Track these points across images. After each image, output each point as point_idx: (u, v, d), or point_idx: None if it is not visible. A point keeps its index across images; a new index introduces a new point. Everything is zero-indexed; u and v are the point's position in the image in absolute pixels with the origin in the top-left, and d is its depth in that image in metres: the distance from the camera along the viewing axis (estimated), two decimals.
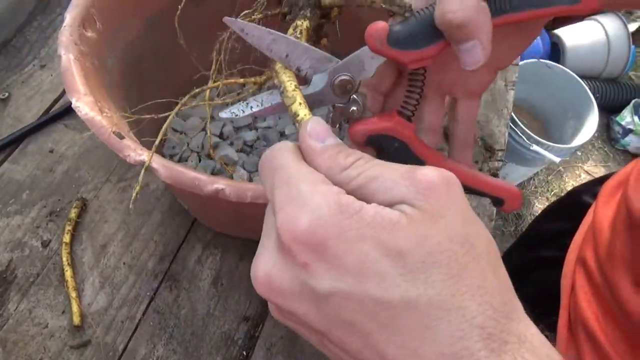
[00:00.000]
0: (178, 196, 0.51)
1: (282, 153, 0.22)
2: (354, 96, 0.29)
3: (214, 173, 0.55)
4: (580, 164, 1.86)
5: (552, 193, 1.78)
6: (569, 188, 1.80)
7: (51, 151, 0.57)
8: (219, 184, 0.34)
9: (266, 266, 0.20)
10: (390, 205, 0.19)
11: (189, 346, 0.47)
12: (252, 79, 0.34)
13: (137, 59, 0.49)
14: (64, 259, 0.49)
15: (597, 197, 0.54)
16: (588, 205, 0.57)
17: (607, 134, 1.88)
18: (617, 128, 1.81)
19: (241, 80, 0.36)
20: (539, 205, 1.76)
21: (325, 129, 0.22)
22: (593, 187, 0.62)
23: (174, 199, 0.55)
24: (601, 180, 0.60)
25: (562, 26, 1.82)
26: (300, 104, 0.27)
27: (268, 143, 0.57)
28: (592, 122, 1.45)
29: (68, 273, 0.48)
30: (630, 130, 1.76)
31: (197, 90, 0.37)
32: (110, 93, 0.43)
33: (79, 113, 0.36)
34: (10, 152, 0.57)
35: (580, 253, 0.51)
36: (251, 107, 0.31)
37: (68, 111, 0.59)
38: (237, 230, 0.52)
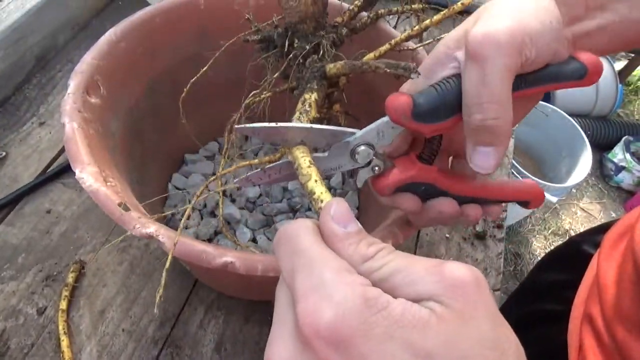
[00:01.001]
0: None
1: (302, 233, 0.21)
2: (374, 158, 0.30)
3: (216, 232, 0.53)
4: (575, 202, 1.87)
5: (550, 231, 1.78)
6: (566, 226, 1.80)
7: (48, 212, 0.56)
8: (228, 256, 0.33)
9: (281, 356, 0.19)
10: (416, 300, 0.18)
11: None
12: (267, 158, 0.34)
13: (139, 120, 0.49)
14: (60, 327, 0.47)
15: (598, 248, 0.53)
16: (588, 255, 0.56)
17: (601, 170, 1.90)
18: (609, 165, 1.83)
19: (255, 161, 0.35)
20: (537, 244, 1.75)
21: (348, 213, 0.22)
22: (592, 236, 0.61)
23: (175, 259, 0.54)
24: (601, 229, 0.59)
25: None
26: (316, 181, 0.26)
27: (272, 199, 0.56)
28: (586, 161, 1.47)
29: (64, 343, 0.46)
30: (623, 167, 1.78)
31: (212, 178, 0.37)
32: (114, 156, 0.42)
33: (83, 185, 0.35)
34: (7, 213, 0.55)
35: (586, 310, 0.49)
36: (269, 176, 0.31)
37: (66, 169, 0.58)
38: (242, 294, 0.51)
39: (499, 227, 0.63)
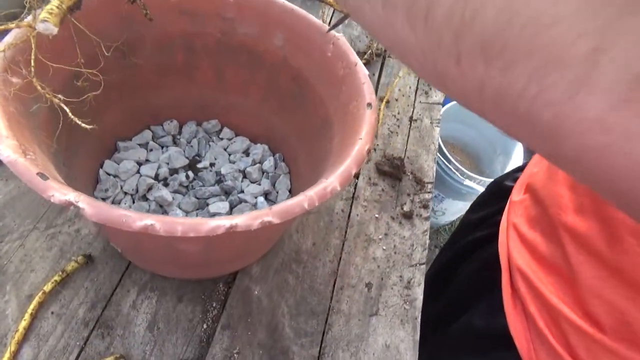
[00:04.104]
0: (111, 238, 0.50)
1: None
2: None
3: None
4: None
5: None
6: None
7: None
8: (148, 219, 0.34)
9: None
10: None
11: None
12: None
13: (65, 104, 0.49)
14: None
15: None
16: (510, 188, 0.63)
17: None
18: None
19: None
20: None
21: None
22: (513, 174, 0.68)
23: (107, 243, 0.54)
24: (520, 168, 0.66)
25: None
26: None
27: (204, 183, 0.58)
28: (518, 157, 1.56)
29: None
30: None
31: None
32: (37, 136, 0.43)
33: (1, 157, 0.35)
34: None
35: (510, 219, 0.55)
36: None
37: None
38: (174, 270, 0.52)
39: (425, 207, 0.68)
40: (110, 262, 0.53)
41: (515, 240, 0.53)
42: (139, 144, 0.60)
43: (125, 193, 0.55)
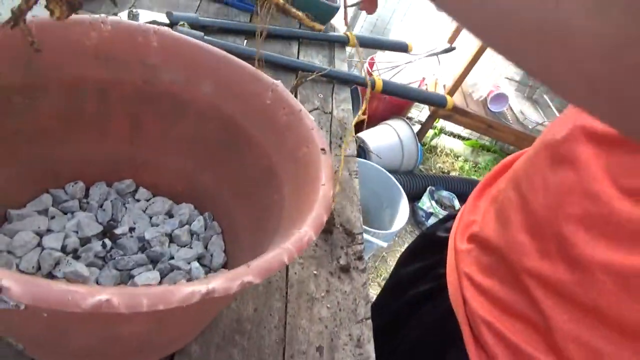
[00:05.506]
0: (13, 330, 0.39)
1: None
2: None
3: None
4: (398, 248, 2.08)
5: (382, 277, 1.92)
6: None
7: None
8: (103, 294, 0.27)
9: None
10: None
11: None
12: None
13: None
14: None
15: (452, 229, 0.60)
16: (443, 239, 0.63)
17: (414, 218, 2.16)
18: (420, 212, 2.10)
19: None
20: (373, 292, 1.87)
21: None
22: (442, 224, 0.69)
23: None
24: (448, 217, 0.67)
25: (362, 130, 2.12)
26: None
27: (126, 252, 0.49)
28: (404, 209, 1.66)
29: None
30: (431, 214, 2.05)
31: None
32: None
33: None
34: None
35: (460, 271, 0.54)
36: None
37: None
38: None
39: (359, 258, 0.66)
40: None
41: (471, 291, 0.52)
42: (37, 211, 0.49)
43: (22, 272, 0.44)
